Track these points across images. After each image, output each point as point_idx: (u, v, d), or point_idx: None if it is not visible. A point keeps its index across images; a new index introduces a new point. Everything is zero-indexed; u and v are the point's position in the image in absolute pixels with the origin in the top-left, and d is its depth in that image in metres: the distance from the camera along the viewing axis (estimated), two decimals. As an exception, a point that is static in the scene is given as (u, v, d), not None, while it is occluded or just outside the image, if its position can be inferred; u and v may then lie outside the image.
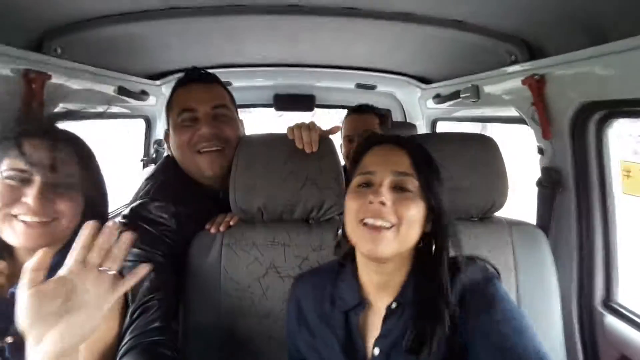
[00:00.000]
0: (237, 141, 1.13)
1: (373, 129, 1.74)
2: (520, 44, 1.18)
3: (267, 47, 1.67)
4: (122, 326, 0.83)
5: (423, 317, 0.70)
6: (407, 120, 2.46)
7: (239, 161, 1.05)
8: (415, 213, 0.71)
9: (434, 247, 0.75)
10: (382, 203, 0.69)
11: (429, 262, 0.74)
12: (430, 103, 2.03)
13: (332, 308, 0.81)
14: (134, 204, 1.06)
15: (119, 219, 1.04)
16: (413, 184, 0.73)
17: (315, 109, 2.50)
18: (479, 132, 1.37)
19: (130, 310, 0.85)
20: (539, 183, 1.26)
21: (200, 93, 1.13)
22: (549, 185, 1.23)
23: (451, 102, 1.73)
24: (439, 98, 1.84)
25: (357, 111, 1.84)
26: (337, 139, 1.74)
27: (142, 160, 2.21)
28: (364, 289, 0.80)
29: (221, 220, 1.09)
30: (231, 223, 1.08)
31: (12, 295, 0.76)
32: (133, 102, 1.69)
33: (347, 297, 0.80)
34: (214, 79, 1.20)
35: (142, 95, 1.74)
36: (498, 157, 1.09)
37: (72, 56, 1.15)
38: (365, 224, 0.71)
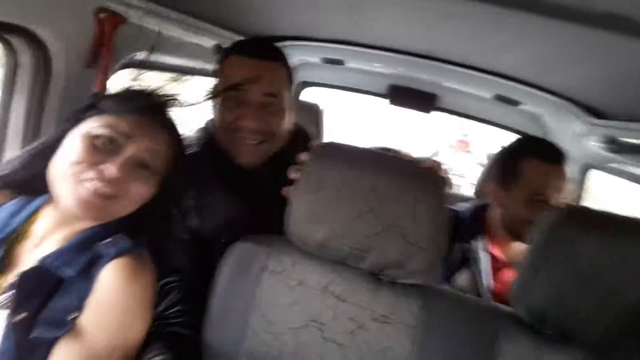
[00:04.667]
0: (283, 133, 1.00)
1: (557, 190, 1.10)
2: None
3: (393, 28, 1.35)
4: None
5: None
6: None
7: (304, 177, 0.78)
8: None
9: None
10: None
11: None
12: (592, 144, 1.49)
13: None
14: None
15: None
16: None
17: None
18: None
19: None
20: None
21: (255, 73, 0.93)
22: None
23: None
24: (615, 145, 1.31)
25: (550, 159, 1.11)
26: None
27: None
28: None
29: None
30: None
31: (41, 264, 0.69)
32: None
33: None
34: (275, 56, 0.98)
35: None
36: None
37: (162, 0, 1.00)
38: None
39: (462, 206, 1.32)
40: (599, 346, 0.71)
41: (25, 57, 0.81)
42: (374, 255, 0.76)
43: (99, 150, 0.69)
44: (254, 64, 0.94)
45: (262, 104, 0.94)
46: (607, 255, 0.67)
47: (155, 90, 0.79)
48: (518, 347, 0.73)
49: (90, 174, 0.67)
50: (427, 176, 0.78)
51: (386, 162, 0.79)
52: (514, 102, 1.75)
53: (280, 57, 0.99)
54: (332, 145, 0.84)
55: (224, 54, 1.00)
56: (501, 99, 1.76)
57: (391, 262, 0.76)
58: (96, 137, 0.70)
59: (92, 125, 0.71)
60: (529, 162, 1.10)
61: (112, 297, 0.69)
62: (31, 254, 0.71)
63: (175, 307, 0.83)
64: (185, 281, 0.86)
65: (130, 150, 0.70)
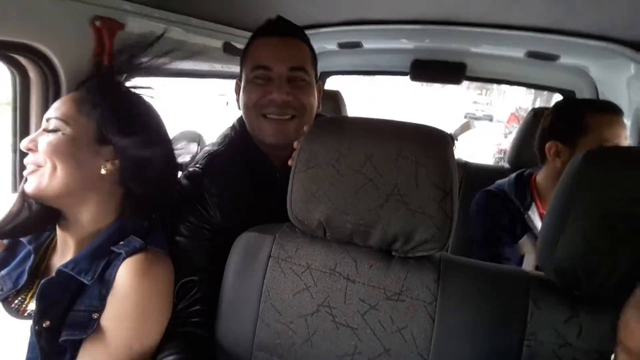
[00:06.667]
0: (312, 109, 0.98)
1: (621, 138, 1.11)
2: None
3: None
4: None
5: None
6: None
7: (300, 154, 0.75)
8: None
9: None
10: None
11: None
12: None
13: None
14: (186, 171, 0.96)
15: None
16: None
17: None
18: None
19: (175, 288, 0.83)
20: None
21: (278, 49, 0.95)
22: None
23: None
24: None
25: (611, 110, 1.16)
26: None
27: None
28: None
29: None
30: None
31: (60, 274, 0.71)
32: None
33: None
34: (297, 33, 1.00)
35: None
36: None
37: (161, 4, 1.02)
38: None
39: (502, 183, 1.29)
40: None
41: (34, 73, 0.87)
42: (379, 229, 0.71)
43: None
44: (278, 42, 0.96)
45: (289, 78, 0.94)
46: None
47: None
48: (551, 314, 0.65)
49: None
50: (427, 137, 0.71)
51: (380, 128, 0.74)
52: (551, 57, 1.58)
53: (302, 35, 1.01)
54: (323, 121, 0.80)
55: (247, 43, 1.02)
56: (536, 55, 1.59)
57: (398, 234, 0.71)
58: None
59: None
60: (592, 115, 1.13)
61: (126, 294, 0.71)
62: (58, 262, 0.76)
63: (193, 307, 0.84)
64: (206, 281, 0.86)
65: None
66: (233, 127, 1.05)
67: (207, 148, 1.01)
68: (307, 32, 1.70)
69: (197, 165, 0.96)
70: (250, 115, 0.97)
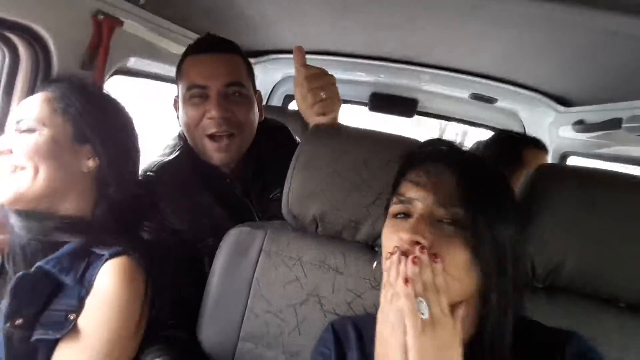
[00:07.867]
0: (252, 124, 1.01)
1: None
2: None
3: (373, 36, 1.44)
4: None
5: None
6: None
7: (300, 156, 0.82)
8: (460, 260, 0.55)
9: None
10: (417, 243, 0.55)
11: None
12: (565, 131, 1.59)
13: None
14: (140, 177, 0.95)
15: None
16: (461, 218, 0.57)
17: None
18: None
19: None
20: None
21: (213, 66, 0.96)
22: None
23: (600, 133, 1.30)
24: (583, 125, 1.41)
25: (544, 149, 1.42)
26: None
27: None
28: None
29: None
30: None
31: (38, 270, 0.69)
32: None
33: None
34: (231, 48, 1.00)
35: None
36: None
37: (156, 10, 1.06)
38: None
39: None
40: (587, 297, 0.74)
41: (26, 54, 0.85)
42: (367, 225, 0.80)
43: None
44: (211, 59, 0.96)
45: (225, 95, 0.95)
46: (585, 205, 0.71)
47: None
48: None
49: None
50: (411, 147, 0.82)
51: (373, 136, 0.84)
52: (490, 100, 1.85)
53: (235, 49, 1.01)
54: (322, 127, 0.89)
55: (181, 59, 1.01)
56: (478, 97, 1.85)
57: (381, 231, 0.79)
58: None
59: None
60: (531, 151, 1.34)
61: (109, 295, 0.70)
62: None
63: (167, 311, 0.83)
64: (174, 284, 0.85)
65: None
66: (180, 137, 1.05)
67: (156, 157, 1.01)
68: (275, 56, 1.83)
69: (149, 173, 0.95)
70: (194, 135, 0.98)
